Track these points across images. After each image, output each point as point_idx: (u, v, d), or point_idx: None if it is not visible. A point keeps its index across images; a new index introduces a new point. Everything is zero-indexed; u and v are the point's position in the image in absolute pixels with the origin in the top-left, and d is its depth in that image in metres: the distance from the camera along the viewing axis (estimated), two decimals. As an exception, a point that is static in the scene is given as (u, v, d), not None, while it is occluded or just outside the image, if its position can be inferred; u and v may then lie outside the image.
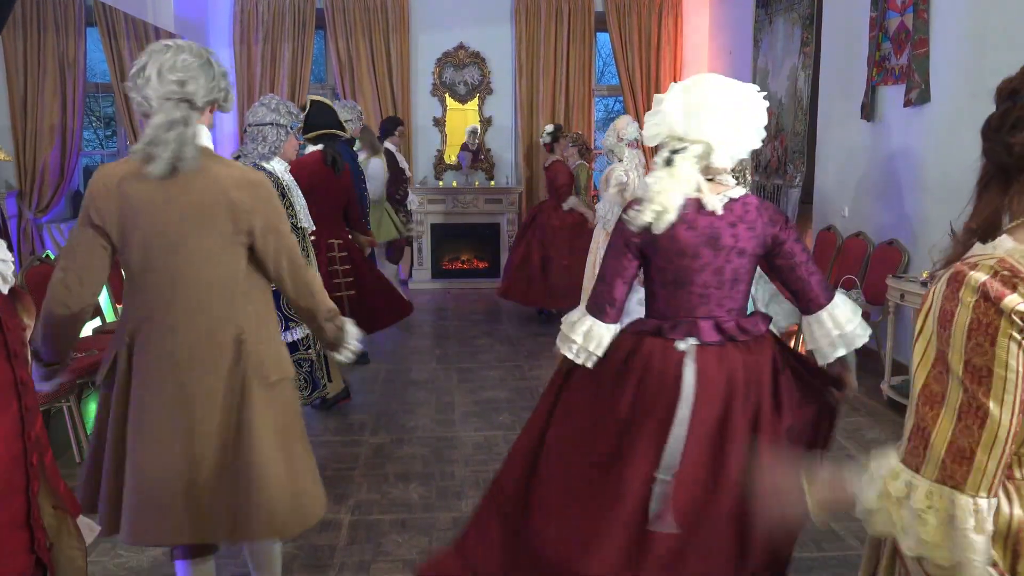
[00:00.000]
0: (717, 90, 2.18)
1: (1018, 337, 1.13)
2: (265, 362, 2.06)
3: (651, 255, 2.21)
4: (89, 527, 1.71)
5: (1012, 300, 1.13)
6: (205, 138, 2.02)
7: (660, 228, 2.12)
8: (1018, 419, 1.15)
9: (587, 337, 2.24)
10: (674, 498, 2.11)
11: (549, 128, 7.06)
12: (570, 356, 2.26)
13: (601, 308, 2.26)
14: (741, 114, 2.17)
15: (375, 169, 6.20)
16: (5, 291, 1.51)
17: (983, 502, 1.17)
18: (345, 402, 4.67)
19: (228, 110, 2.12)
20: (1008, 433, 1.15)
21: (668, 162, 2.13)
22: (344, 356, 2.35)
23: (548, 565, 2.21)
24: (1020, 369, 1.13)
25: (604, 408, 2.23)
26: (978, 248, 1.25)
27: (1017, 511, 1.20)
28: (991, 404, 1.14)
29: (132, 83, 1.96)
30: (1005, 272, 1.15)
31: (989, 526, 1.18)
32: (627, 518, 2.13)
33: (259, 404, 2.00)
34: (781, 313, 3.64)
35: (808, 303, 2.26)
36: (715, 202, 2.16)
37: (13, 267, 1.54)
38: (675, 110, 2.17)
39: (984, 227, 1.25)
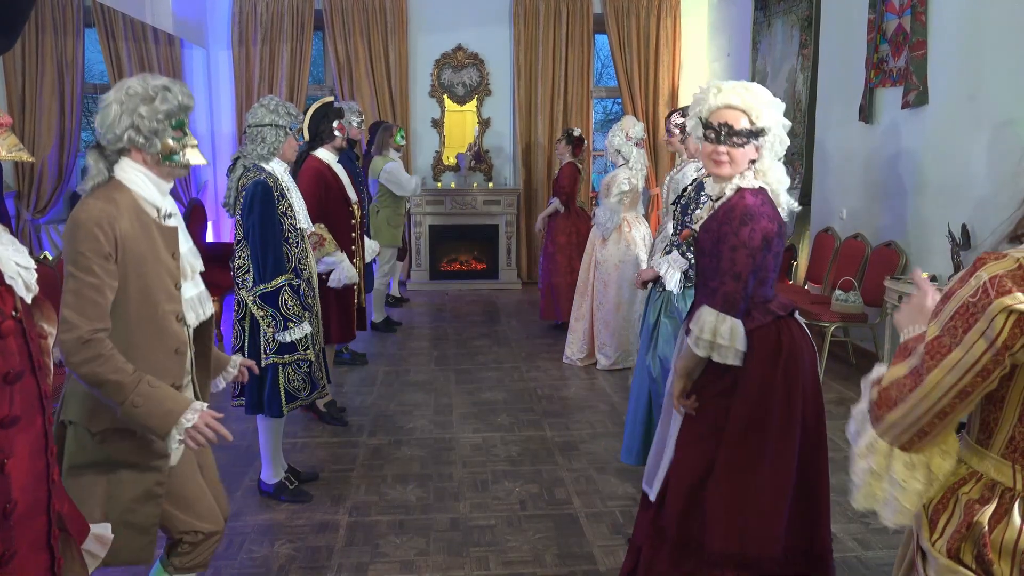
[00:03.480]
0: None
1: (992, 333, 1.13)
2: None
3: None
4: (99, 539, 1.66)
5: (1010, 298, 1.12)
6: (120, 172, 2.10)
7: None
8: (950, 401, 1.18)
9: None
10: None
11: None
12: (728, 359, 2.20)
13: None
14: None
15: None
16: (28, 299, 1.46)
17: (882, 444, 1.25)
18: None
19: (148, 150, 2.10)
20: (929, 407, 1.19)
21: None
22: None
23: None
24: (977, 365, 1.15)
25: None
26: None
27: None
28: (930, 376, 1.17)
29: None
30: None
31: (887, 471, 1.26)
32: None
33: None
34: None
35: None
36: None
37: (35, 274, 1.50)
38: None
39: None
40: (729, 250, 2.15)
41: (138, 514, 2.11)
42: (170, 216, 2.19)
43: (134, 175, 2.10)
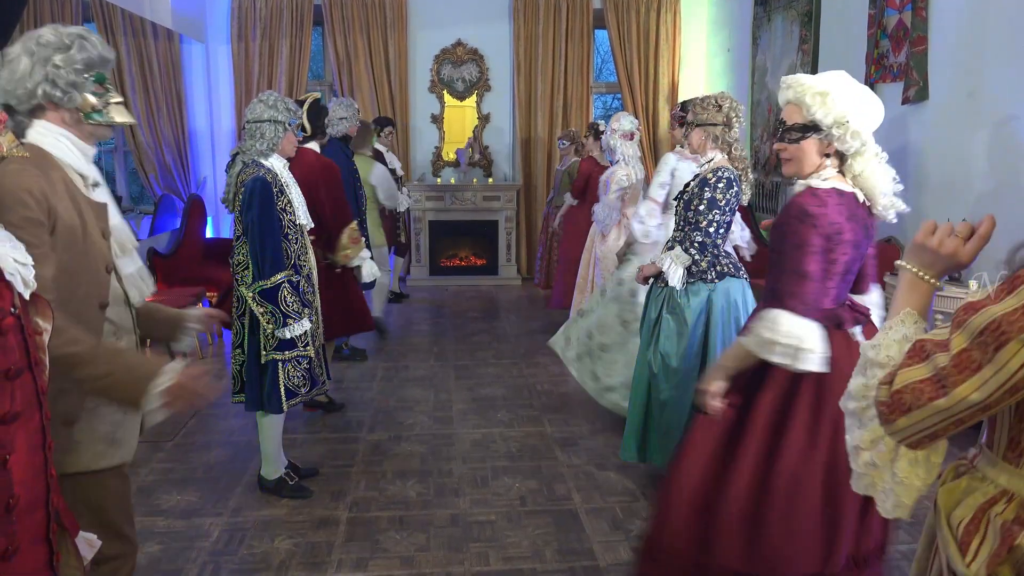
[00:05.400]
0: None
1: None
2: None
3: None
4: (89, 543, 1.68)
5: None
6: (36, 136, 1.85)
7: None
8: (972, 413, 1.13)
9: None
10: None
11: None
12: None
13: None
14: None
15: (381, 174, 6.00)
16: (27, 296, 1.47)
17: (889, 442, 1.23)
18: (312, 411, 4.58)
19: (67, 105, 1.86)
20: (948, 417, 1.15)
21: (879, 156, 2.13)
22: None
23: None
24: (1008, 384, 1.09)
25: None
26: None
27: None
28: (957, 389, 1.13)
29: None
30: None
31: (886, 462, 1.25)
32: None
33: None
34: None
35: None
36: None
37: (32, 271, 1.50)
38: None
39: None
40: (792, 248, 2.08)
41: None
42: (97, 186, 1.97)
43: (53, 139, 1.86)
